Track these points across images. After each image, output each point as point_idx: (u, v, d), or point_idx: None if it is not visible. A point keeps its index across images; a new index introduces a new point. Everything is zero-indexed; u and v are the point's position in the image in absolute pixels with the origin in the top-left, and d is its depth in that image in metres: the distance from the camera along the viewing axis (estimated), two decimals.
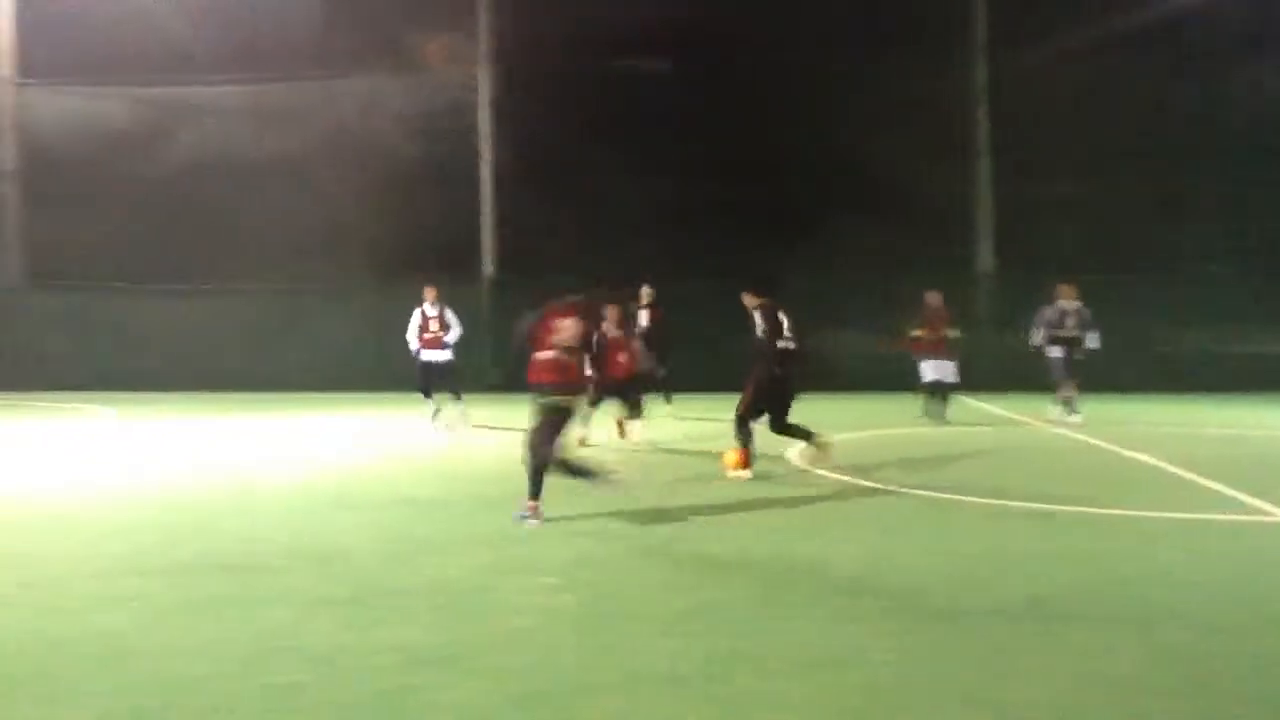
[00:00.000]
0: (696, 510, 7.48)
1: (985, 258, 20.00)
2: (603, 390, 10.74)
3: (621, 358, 11.03)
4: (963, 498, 7.95)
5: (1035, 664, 4.18)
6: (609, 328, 11.02)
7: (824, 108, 18.71)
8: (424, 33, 20.17)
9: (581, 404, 7.58)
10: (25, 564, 5.92)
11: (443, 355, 13.37)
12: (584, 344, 7.23)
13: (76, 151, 20.77)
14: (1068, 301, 13.79)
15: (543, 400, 7.06)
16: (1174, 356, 18.47)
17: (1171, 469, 9.41)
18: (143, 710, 3.72)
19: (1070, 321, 13.72)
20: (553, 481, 7.08)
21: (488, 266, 20.71)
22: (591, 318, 7.57)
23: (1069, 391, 13.74)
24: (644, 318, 13.92)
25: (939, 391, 13.75)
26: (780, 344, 8.84)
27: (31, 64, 21.40)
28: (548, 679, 4.01)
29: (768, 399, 8.98)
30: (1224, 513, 7.36)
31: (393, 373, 15.46)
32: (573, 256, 16.88)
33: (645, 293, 14.19)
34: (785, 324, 8.94)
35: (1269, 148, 18.04)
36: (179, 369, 20.11)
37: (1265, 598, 5.19)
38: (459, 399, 13.50)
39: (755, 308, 8.98)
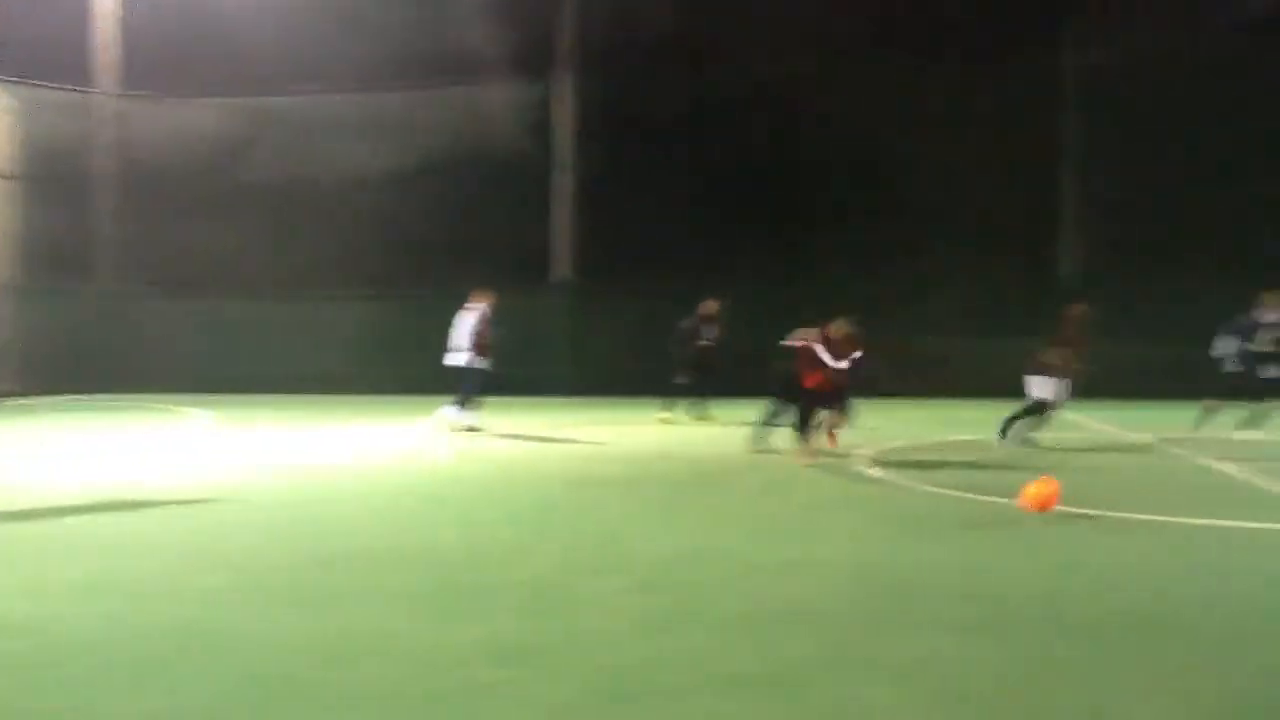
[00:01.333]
0: (776, 513, 7.49)
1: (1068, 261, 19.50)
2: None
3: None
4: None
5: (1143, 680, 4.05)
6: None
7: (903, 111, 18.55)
8: (506, 40, 20.41)
9: None
10: (140, 555, 6.17)
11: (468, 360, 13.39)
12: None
13: (176, 160, 21.45)
14: (1275, 312, 12.29)
15: None
16: None
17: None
18: (241, 702, 3.81)
19: (1267, 335, 12.20)
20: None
21: (564, 272, 20.96)
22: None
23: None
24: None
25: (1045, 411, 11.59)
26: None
27: (134, 76, 22.15)
28: (636, 678, 4.02)
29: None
30: None
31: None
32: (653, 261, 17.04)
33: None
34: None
35: None
36: (277, 372, 20.65)
37: None
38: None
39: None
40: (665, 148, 19.16)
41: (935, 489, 8.51)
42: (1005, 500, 7.58)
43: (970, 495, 8.16)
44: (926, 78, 18.57)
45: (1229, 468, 9.82)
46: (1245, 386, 12.31)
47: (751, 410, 11.80)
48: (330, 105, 21.38)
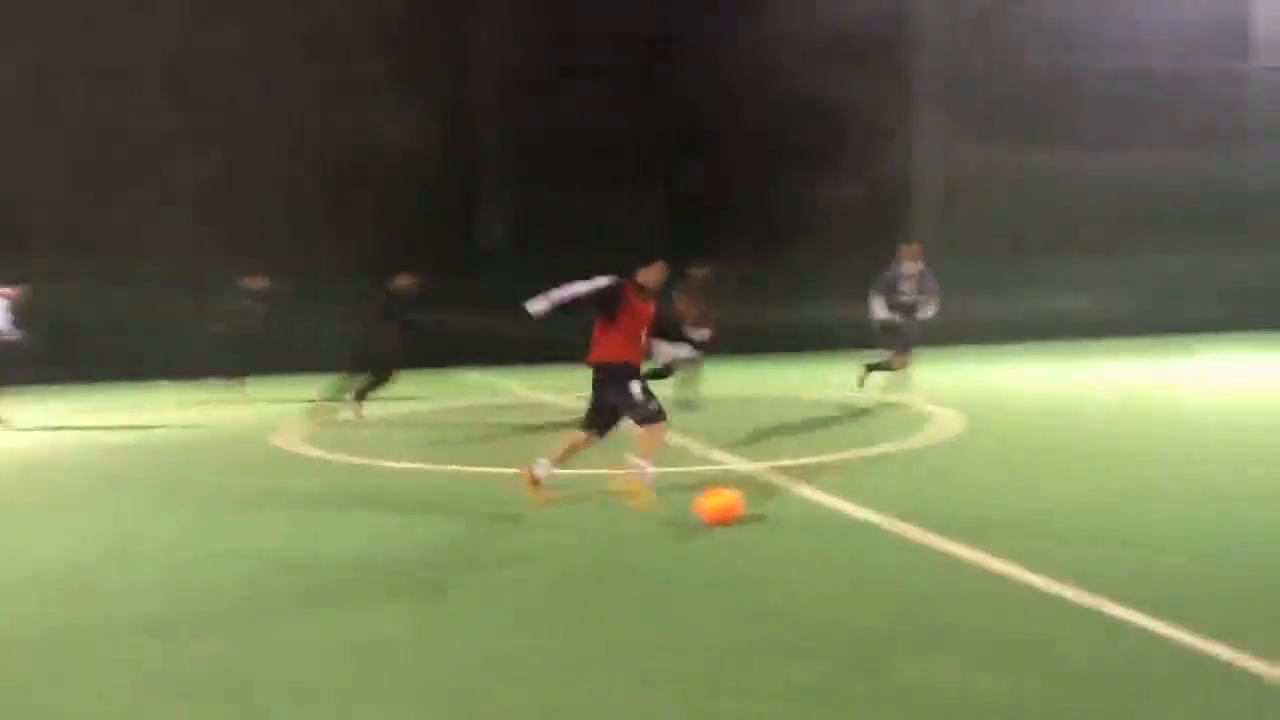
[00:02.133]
0: None
1: None
2: None
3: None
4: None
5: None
6: None
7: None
8: None
9: None
10: None
11: None
12: None
13: None
14: (910, 263, 12.87)
15: None
16: None
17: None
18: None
19: (908, 287, 12.76)
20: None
21: None
22: None
23: (899, 363, 12.92)
24: None
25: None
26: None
27: None
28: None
29: None
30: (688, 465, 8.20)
31: None
32: None
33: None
34: None
35: None
36: None
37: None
38: None
39: None
40: None
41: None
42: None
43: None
44: None
45: None
46: (896, 339, 12.84)
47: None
48: None
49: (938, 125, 22.16)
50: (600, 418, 7.21)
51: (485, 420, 12.22)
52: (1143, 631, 4.47)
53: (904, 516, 6.56)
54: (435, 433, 11.35)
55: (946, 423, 10.86)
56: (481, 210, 20.62)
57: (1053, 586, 5.09)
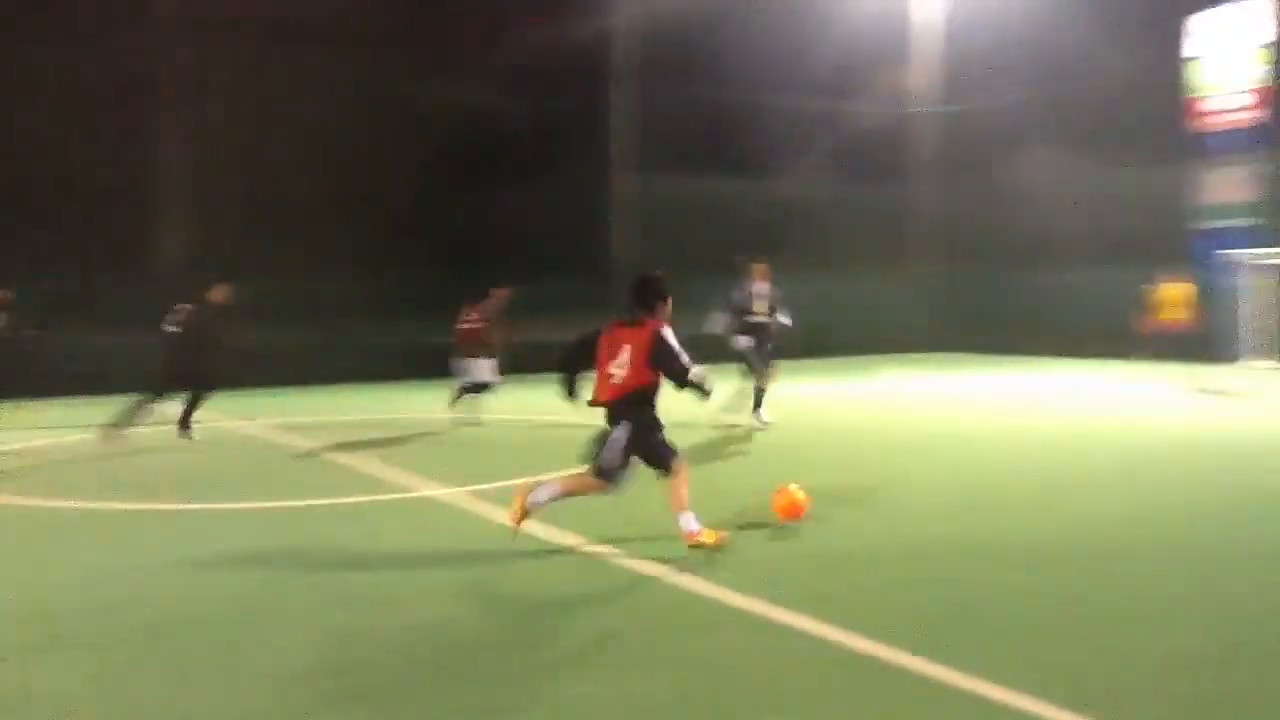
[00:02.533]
0: None
1: None
2: None
3: None
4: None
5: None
6: None
7: None
8: None
9: None
10: None
11: None
12: None
13: None
14: (761, 283, 12.45)
15: None
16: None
17: (334, 457, 10.60)
18: None
19: (760, 306, 12.34)
20: None
21: None
22: None
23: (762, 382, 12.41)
24: None
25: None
26: None
27: None
28: None
29: None
30: (380, 494, 8.49)
31: None
32: None
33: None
34: None
35: None
36: None
37: (421, 565, 6.18)
38: None
39: None
40: None
41: None
42: None
43: None
44: None
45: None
46: (755, 360, 12.40)
47: None
48: None
49: (634, 153, 23.08)
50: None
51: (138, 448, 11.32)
52: (801, 634, 4.78)
53: (596, 537, 6.67)
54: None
55: None
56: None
57: (717, 593, 5.37)
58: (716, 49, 23.41)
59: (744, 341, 12.28)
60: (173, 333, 11.66)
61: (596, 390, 6.39)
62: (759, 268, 12.46)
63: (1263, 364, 20.19)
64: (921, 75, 27.80)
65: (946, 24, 26.96)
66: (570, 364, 6.57)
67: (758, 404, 12.39)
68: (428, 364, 16.22)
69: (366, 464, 10.06)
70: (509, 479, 8.84)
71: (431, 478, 9.10)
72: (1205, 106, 21.94)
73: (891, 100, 27.20)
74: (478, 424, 12.89)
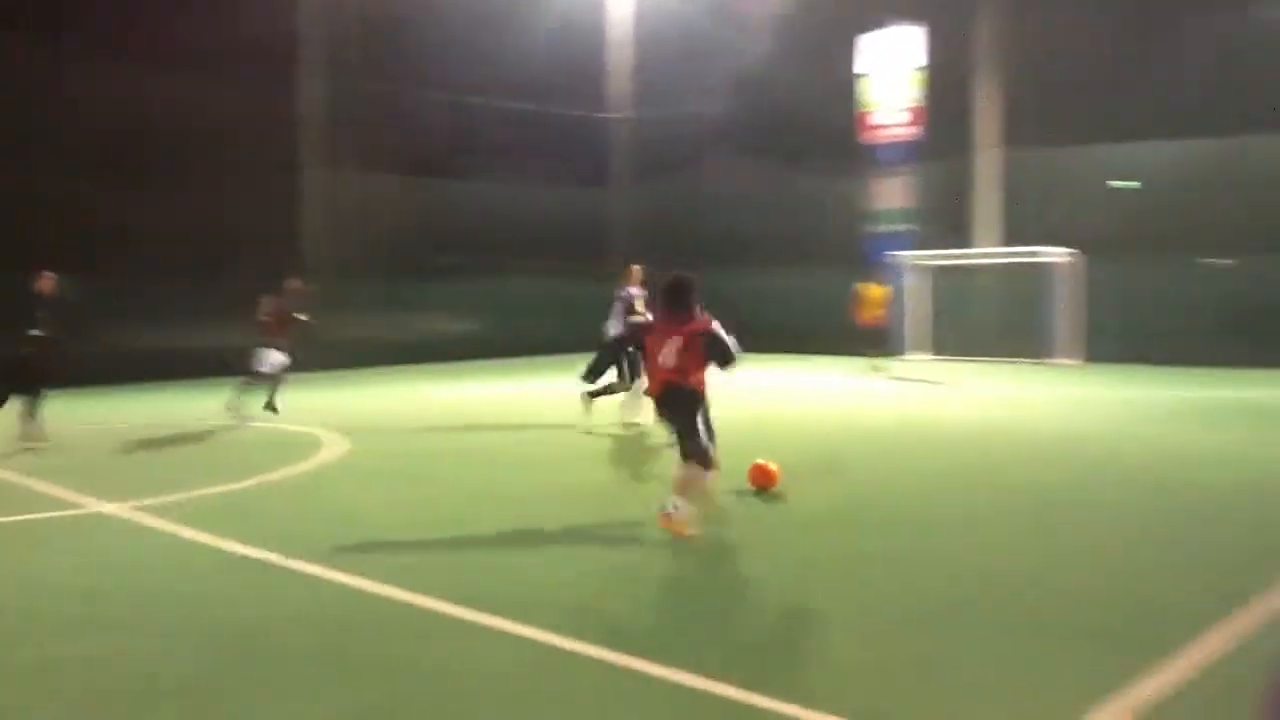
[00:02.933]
0: None
1: None
2: None
3: None
4: None
5: None
6: None
7: None
8: None
9: None
10: None
11: None
12: None
13: None
14: (637, 287, 12.22)
15: None
16: None
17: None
18: None
19: (640, 306, 12.05)
20: None
21: None
22: None
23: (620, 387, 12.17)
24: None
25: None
26: None
27: None
28: None
29: None
30: (43, 511, 7.72)
31: None
32: None
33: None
34: None
35: None
36: None
37: (99, 592, 5.65)
38: None
39: None
40: None
41: None
42: None
43: None
44: None
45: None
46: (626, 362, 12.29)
47: None
48: None
49: (326, 153, 22.21)
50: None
51: None
52: (516, 638, 4.72)
53: (279, 546, 6.34)
54: None
55: (329, 447, 10.75)
56: None
57: (426, 602, 5.22)
58: (413, 47, 23.00)
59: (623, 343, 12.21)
60: None
61: (650, 383, 7.08)
62: (635, 270, 12.43)
63: (922, 357, 22.26)
64: (618, 83, 28.59)
65: (643, 35, 27.83)
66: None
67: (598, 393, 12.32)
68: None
69: (25, 478, 9.02)
70: (186, 491, 8.28)
71: (99, 492, 8.26)
72: (874, 121, 23.95)
73: (590, 105, 27.79)
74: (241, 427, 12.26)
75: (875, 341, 18.98)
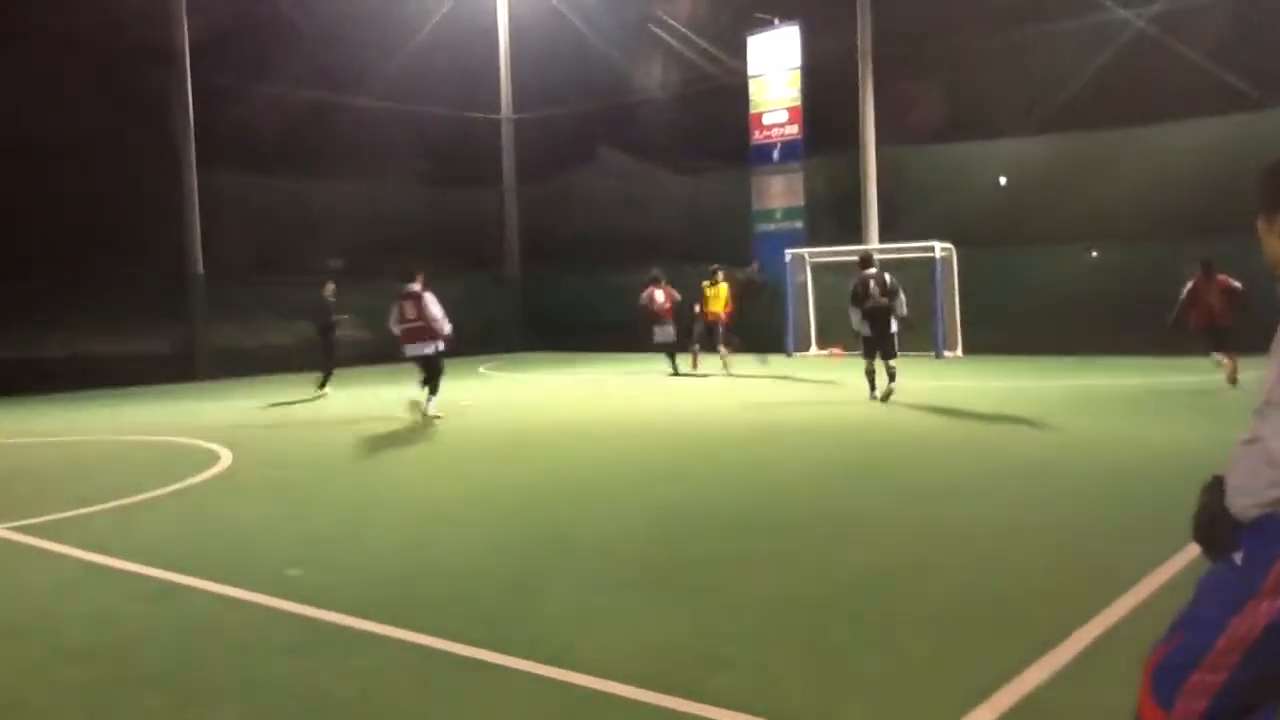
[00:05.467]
0: None
1: None
2: None
3: None
4: None
5: None
6: None
7: None
8: None
9: None
10: None
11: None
12: None
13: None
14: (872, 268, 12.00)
15: None
16: None
17: None
18: None
19: (877, 291, 11.85)
20: None
21: None
22: None
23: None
24: None
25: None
26: None
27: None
28: None
29: None
30: None
31: None
32: None
33: None
34: None
35: None
36: None
37: None
38: None
39: None
40: None
41: None
42: None
43: None
44: None
45: None
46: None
47: None
48: None
49: (192, 151, 21.47)
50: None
51: None
52: (401, 643, 4.65)
53: (169, 564, 6.13)
54: None
55: (216, 459, 10.43)
56: None
57: (312, 612, 5.12)
58: (296, 45, 22.42)
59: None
60: None
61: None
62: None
63: (809, 353, 22.65)
64: (502, 84, 28.33)
65: (529, 37, 27.61)
66: None
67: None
68: None
69: None
70: (58, 512, 7.88)
71: None
72: (762, 120, 24.19)
73: (475, 107, 27.44)
74: None
75: (723, 339, 18.89)
